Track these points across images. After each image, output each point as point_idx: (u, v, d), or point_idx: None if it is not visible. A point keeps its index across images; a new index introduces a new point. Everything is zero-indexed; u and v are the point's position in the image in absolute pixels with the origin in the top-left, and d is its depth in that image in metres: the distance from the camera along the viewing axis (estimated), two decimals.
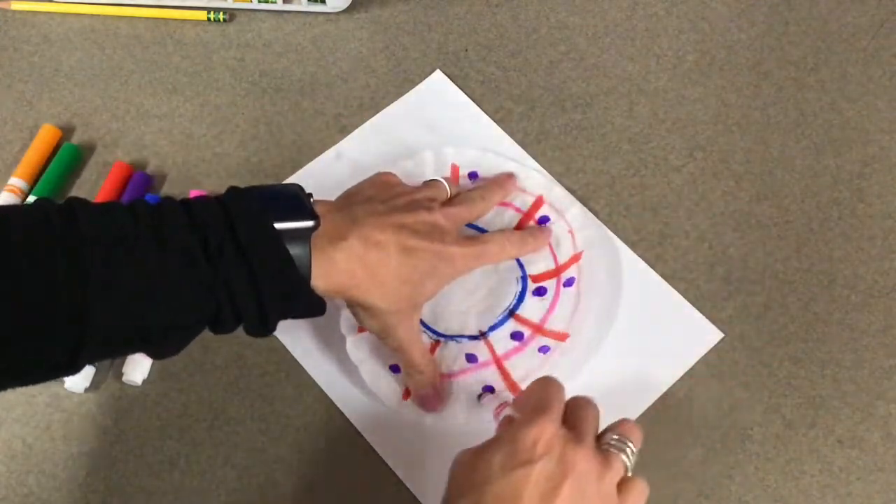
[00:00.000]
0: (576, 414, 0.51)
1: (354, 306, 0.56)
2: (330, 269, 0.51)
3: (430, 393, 0.59)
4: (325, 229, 0.51)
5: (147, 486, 0.58)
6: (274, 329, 0.51)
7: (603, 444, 0.50)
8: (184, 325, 0.48)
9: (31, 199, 0.65)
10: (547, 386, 0.52)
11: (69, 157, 0.67)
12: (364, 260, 0.52)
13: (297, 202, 0.51)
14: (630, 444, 0.50)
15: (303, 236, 0.49)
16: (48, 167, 0.66)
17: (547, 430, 0.48)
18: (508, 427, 0.49)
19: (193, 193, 0.65)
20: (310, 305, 0.51)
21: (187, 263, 0.46)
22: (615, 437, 0.50)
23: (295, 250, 0.49)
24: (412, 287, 0.55)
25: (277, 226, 0.48)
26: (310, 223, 0.50)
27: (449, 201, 0.61)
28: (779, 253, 0.65)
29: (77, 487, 0.58)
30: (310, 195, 0.52)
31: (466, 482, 0.48)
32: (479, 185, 0.65)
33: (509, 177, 0.66)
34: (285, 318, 0.51)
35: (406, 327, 0.56)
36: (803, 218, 0.66)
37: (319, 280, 0.50)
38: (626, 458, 0.50)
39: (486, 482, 0.47)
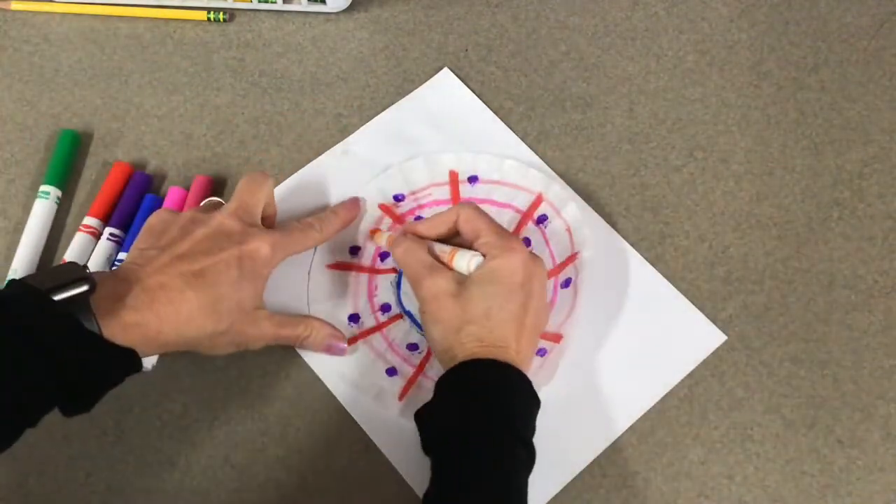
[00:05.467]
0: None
1: (188, 349, 0.55)
2: (123, 328, 0.50)
3: (330, 343, 0.60)
4: (104, 293, 0.50)
5: (147, 486, 0.58)
6: (92, 403, 0.49)
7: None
8: None
9: (45, 186, 0.65)
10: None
11: (70, 145, 0.67)
12: (156, 307, 0.51)
13: (67, 273, 0.49)
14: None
15: (81, 302, 0.48)
16: (53, 159, 0.67)
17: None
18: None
19: (198, 177, 0.66)
20: (119, 368, 0.50)
21: None
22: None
23: (79, 317, 0.47)
24: (229, 301, 0.54)
25: (53, 297, 0.47)
26: (84, 287, 0.48)
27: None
28: (779, 253, 0.65)
29: (77, 487, 0.58)
30: (85, 267, 0.52)
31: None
32: (318, 215, 0.63)
33: (353, 202, 0.65)
34: (100, 388, 0.50)
35: (255, 329, 0.57)
36: (803, 218, 0.66)
37: (115, 341, 0.49)
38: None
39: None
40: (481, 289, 0.55)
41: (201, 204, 0.62)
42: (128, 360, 0.50)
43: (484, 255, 0.56)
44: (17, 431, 0.49)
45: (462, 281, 0.56)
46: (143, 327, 0.51)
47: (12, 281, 0.49)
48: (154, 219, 0.58)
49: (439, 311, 0.56)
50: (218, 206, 0.60)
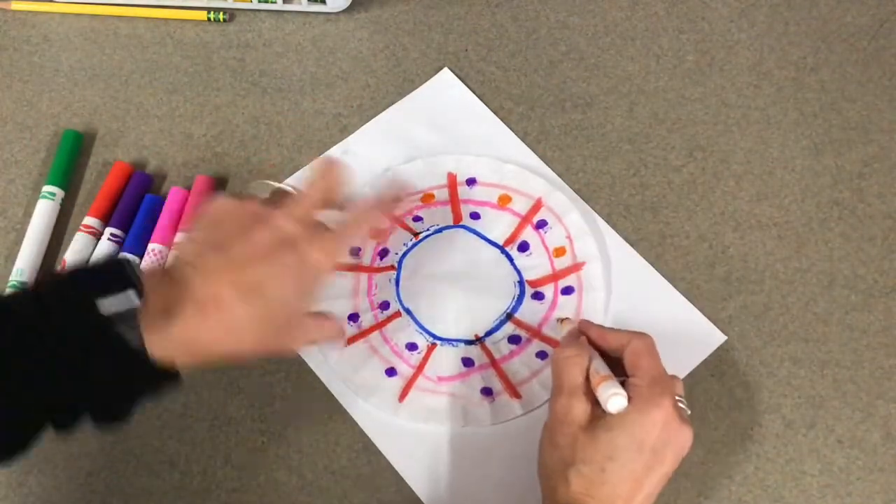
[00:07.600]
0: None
1: (223, 362, 0.51)
2: (169, 341, 0.46)
3: (338, 339, 0.60)
4: (154, 304, 0.46)
5: (147, 486, 0.58)
6: (127, 417, 0.47)
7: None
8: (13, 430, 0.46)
9: (50, 187, 0.65)
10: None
11: (72, 145, 0.67)
12: (207, 323, 0.47)
13: (115, 276, 0.46)
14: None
15: (129, 317, 0.45)
16: (55, 159, 0.67)
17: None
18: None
19: (199, 177, 0.66)
20: (159, 384, 0.48)
21: None
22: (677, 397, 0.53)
23: (124, 333, 0.45)
24: (277, 318, 0.49)
25: (102, 312, 0.45)
26: (134, 303, 0.45)
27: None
28: (779, 253, 0.65)
29: (77, 487, 0.58)
30: (133, 263, 0.48)
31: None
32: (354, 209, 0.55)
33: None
34: (136, 402, 0.48)
35: (297, 334, 0.52)
36: (803, 218, 0.66)
37: (158, 353, 0.46)
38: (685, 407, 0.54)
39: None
40: (610, 435, 0.50)
41: (255, 185, 0.61)
42: (171, 380, 0.47)
43: (630, 398, 0.51)
44: (36, 439, 0.47)
45: (599, 415, 0.51)
46: (188, 343, 0.47)
47: (51, 278, 0.47)
48: (213, 207, 0.51)
49: (559, 434, 0.51)
50: (283, 195, 0.58)
